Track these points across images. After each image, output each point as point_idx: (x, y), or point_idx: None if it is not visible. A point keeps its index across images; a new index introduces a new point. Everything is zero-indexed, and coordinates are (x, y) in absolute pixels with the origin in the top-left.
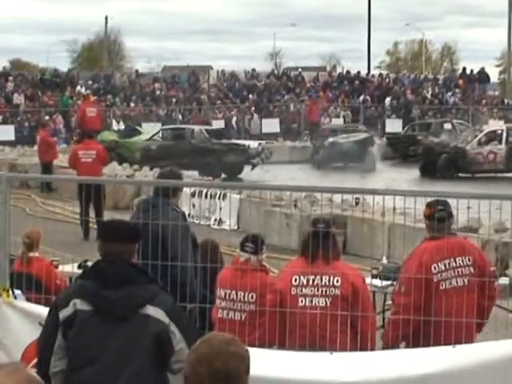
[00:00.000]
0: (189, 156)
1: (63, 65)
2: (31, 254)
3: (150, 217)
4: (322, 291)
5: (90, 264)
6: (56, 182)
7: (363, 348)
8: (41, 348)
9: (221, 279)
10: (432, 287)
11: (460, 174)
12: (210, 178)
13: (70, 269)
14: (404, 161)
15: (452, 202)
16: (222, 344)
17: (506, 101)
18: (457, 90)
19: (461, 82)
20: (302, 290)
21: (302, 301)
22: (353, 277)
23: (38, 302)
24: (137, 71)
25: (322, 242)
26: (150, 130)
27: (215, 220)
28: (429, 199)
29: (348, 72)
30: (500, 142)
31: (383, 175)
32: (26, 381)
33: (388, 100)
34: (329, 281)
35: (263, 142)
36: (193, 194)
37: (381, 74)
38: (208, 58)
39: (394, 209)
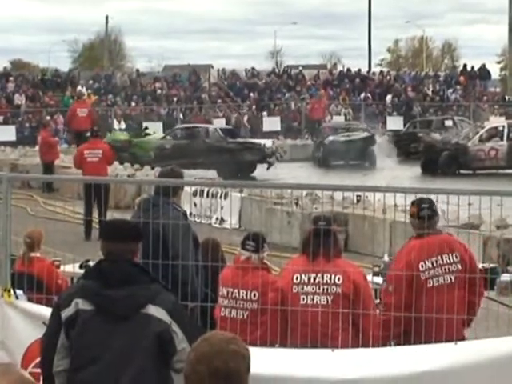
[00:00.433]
0: (204, 155)
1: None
2: (32, 254)
3: (151, 216)
4: (323, 289)
5: (91, 264)
6: (57, 182)
7: (365, 345)
8: (44, 347)
9: (223, 278)
10: (420, 285)
11: (461, 171)
12: (219, 177)
13: (71, 269)
14: (406, 158)
15: (453, 198)
16: (222, 343)
17: (507, 97)
18: (458, 87)
19: (462, 78)
20: (303, 288)
21: (303, 299)
22: (354, 274)
23: (39, 302)
24: (137, 70)
25: (323, 239)
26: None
27: (216, 219)
28: (431, 196)
29: (349, 70)
30: (501, 139)
31: (384, 173)
32: (18, 381)
33: (389, 97)
34: (330, 279)
35: (277, 140)
36: (194, 193)
37: (381, 72)
38: (209, 56)
39: (395, 206)
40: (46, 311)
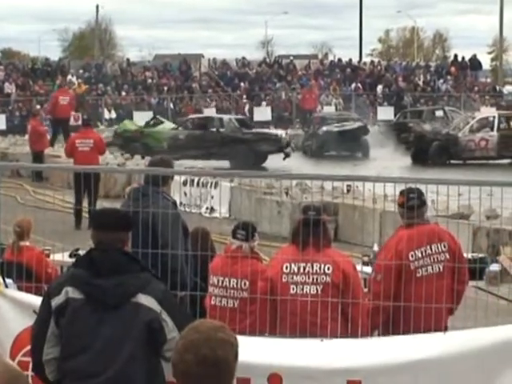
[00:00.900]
0: (219, 145)
1: (54, 54)
2: (22, 243)
3: (141, 205)
4: (312, 279)
5: (81, 253)
6: (47, 171)
7: (354, 335)
8: (34, 336)
9: (213, 267)
10: (409, 275)
11: (452, 161)
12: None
13: (61, 258)
14: (396, 148)
15: (443, 188)
16: (210, 331)
17: (497, 88)
18: (449, 77)
19: (453, 69)
20: (292, 278)
21: (293, 288)
22: (344, 264)
23: (28, 290)
24: (128, 60)
25: (312, 229)
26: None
27: (207, 208)
28: (421, 186)
29: (339, 60)
30: (492, 129)
31: (375, 163)
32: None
33: (380, 87)
34: (320, 268)
35: (288, 131)
36: (184, 183)
37: (372, 62)
38: (199, 46)
39: (385, 196)
40: (36, 300)
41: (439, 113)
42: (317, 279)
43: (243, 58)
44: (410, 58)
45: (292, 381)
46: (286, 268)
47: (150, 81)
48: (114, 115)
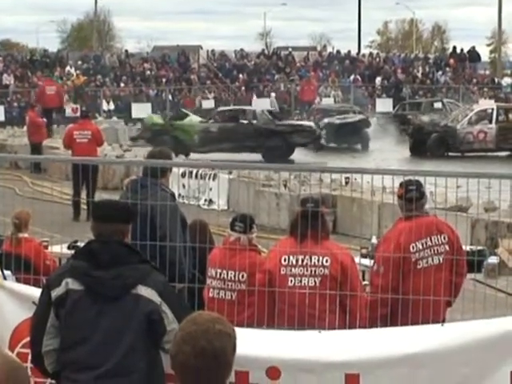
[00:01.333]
0: (252, 138)
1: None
2: (20, 235)
3: (139, 197)
4: (311, 271)
5: (79, 245)
6: (45, 163)
7: (352, 327)
8: (33, 327)
9: (211, 259)
10: (409, 267)
11: (450, 153)
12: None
13: (59, 249)
14: (395, 140)
15: (441, 181)
16: (208, 323)
17: (496, 80)
18: (447, 69)
19: (451, 61)
20: (291, 270)
21: (291, 281)
22: (342, 256)
23: (27, 282)
24: (126, 51)
25: (311, 221)
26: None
27: (205, 200)
28: (419, 178)
29: (338, 52)
30: (490, 121)
31: (374, 155)
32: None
33: (378, 79)
34: (318, 260)
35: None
36: (183, 175)
37: (371, 54)
38: (198, 37)
39: (384, 188)
40: (35, 291)
41: (438, 105)
42: (315, 271)
43: (242, 50)
44: (408, 50)
45: (290, 374)
46: (285, 260)
47: (148, 72)
48: (112, 107)
